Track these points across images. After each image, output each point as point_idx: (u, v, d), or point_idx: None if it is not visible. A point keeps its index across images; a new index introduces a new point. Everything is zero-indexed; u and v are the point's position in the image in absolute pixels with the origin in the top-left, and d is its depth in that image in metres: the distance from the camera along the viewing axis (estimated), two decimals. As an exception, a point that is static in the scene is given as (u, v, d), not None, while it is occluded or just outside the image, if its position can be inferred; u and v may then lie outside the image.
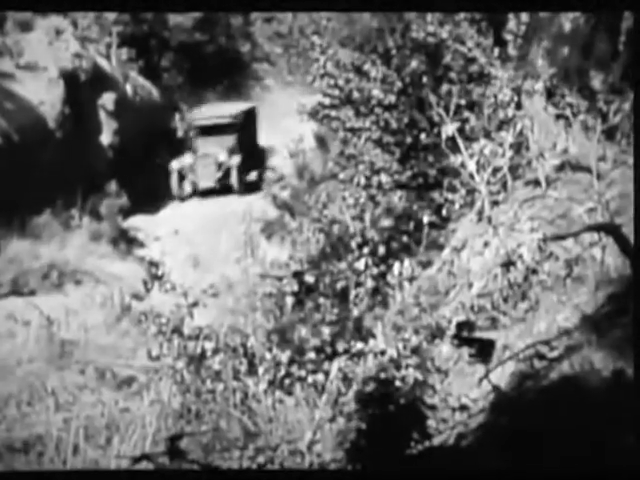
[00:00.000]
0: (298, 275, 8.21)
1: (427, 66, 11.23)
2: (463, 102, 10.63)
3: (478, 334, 7.37)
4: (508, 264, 7.39)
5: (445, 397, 6.78)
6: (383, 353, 6.75)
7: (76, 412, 7.87)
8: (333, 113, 11.82)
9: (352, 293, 7.85)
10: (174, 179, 25.56)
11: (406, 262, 7.85)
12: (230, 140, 26.46)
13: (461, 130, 9.42)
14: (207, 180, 25.53)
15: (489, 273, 7.51)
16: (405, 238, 10.20)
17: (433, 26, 11.03)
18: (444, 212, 10.02)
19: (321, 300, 7.94)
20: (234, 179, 25.81)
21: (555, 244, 7.42)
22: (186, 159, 26.04)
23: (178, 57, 30.84)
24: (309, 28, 13.22)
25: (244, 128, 27.03)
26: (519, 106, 10.14)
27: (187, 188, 25.58)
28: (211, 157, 25.97)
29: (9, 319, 12.50)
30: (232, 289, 10.32)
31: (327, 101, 11.88)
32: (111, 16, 26.39)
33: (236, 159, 26.14)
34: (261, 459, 6.31)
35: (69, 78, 23.21)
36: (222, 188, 25.40)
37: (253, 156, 26.81)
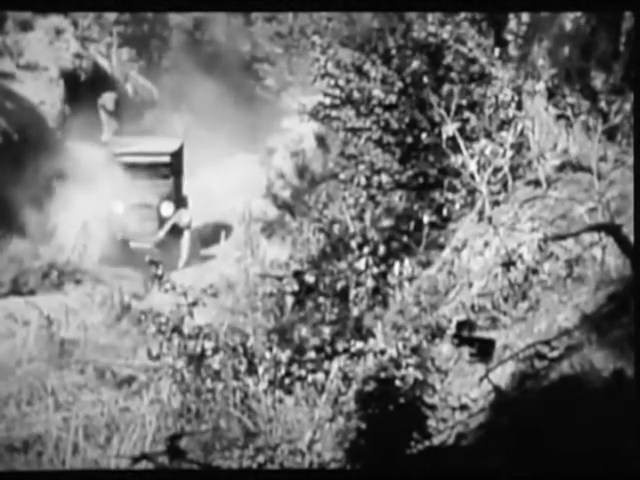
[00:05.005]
0: (298, 275, 8.20)
1: (428, 66, 11.20)
2: (464, 102, 10.61)
3: (478, 334, 7.36)
4: (508, 264, 7.39)
5: (445, 397, 6.77)
6: (383, 352, 6.75)
7: (76, 411, 7.87)
8: (334, 113, 11.78)
9: (352, 293, 7.84)
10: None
11: (406, 262, 7.87)
12: (166, 186, 19.93)
13: (462, 130, 9.42)
14: (143, 239, 19.01)
15: (489, 273, 7.52)
16: (405, 238, 10.18)
17: (434, 26, 11.01)
18: (444, 212, 10.02)
19: (321, 300, 7.94)
20: (184, 248, 19.02)
21: (555, 244, 7.41)
22: (114, 207, 19.41)
23: (178, 57, 30.84)
24: (309, 28, 13.19)
25: (178, 170, 20.69)
26: (520, 106, 10.13)
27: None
28: (152, 208, 19.49)
29: (9, 319, 12.49)
30: (232, 288, 10.29)
31: (328, 101, 11.84)
32: (111, 16, 26.43)
33: (186, 217, 19.67)
34: (261, 459, 6.31)
35: (69, 78, 23.23)
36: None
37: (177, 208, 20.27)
